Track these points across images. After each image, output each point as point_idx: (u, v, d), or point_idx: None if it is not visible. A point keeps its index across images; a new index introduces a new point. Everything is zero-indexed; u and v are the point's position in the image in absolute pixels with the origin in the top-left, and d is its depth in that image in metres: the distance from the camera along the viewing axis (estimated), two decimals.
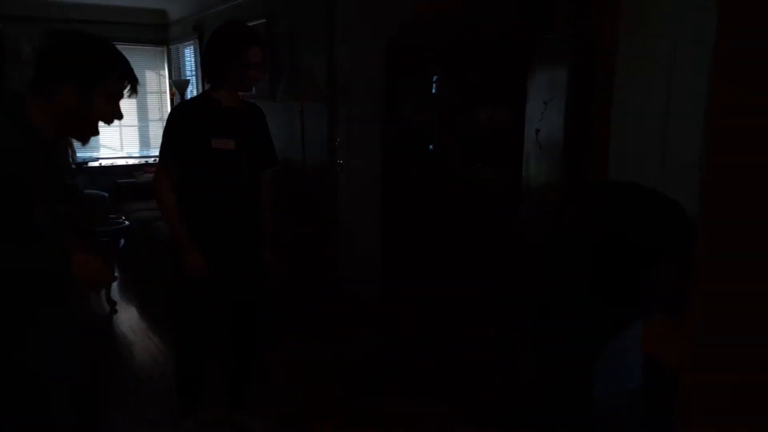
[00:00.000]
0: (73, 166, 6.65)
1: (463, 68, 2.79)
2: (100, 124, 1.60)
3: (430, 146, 3.06)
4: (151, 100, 7.67)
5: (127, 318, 4.28)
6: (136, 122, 7.57)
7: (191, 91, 6.74)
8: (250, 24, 5.37)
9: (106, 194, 6.34)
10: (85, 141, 1.62)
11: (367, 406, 3.01)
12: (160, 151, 2.45)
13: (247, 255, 2.57)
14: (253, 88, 2.55)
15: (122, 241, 4.85)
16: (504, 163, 2.69)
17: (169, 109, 7.38)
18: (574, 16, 2.69)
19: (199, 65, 6.68)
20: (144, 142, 7.73)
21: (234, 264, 2.52)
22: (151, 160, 7.26)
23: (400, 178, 3.25)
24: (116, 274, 1.61)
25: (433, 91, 3.02)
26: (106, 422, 2.05)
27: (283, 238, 4.57)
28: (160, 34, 7.51)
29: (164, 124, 2.47)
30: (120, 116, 1.61)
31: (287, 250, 4.65)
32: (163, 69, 7.66)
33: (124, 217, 4.98)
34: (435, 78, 2.96)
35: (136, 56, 7.08)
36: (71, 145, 6.62)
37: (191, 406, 2.66)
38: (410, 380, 3.21)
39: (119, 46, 1.63)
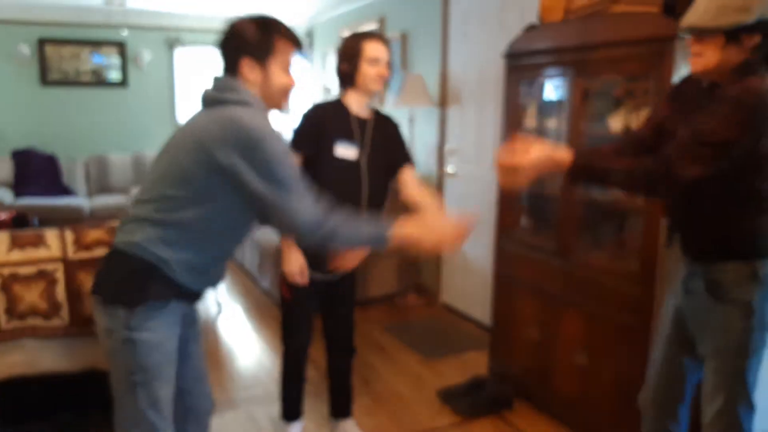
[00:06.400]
0: None
1: (596, 70, 2.55)
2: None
3: None
4: None
5: (232, 319, 4.33)
6: None
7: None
8: (359, 28, 5.34)
9: None
10: (282, 110, 1.81)
11: (468, 429, 2.85)
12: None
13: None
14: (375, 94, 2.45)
15: None
16: None
17: None
18: None
19: (309, 71, 6.77)
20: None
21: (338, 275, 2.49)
22: None
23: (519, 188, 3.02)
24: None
25: (560, 96, 2.79)
26: (206, 421, 2.00)
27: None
28: None
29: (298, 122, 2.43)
30: (294, 84, 1.79)
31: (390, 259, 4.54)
32: None
33: None
34: (562, 82, 2.72)
35: None
36: None
37: (294, 414, 2.66)
38: (519, 404, 3.00)
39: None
